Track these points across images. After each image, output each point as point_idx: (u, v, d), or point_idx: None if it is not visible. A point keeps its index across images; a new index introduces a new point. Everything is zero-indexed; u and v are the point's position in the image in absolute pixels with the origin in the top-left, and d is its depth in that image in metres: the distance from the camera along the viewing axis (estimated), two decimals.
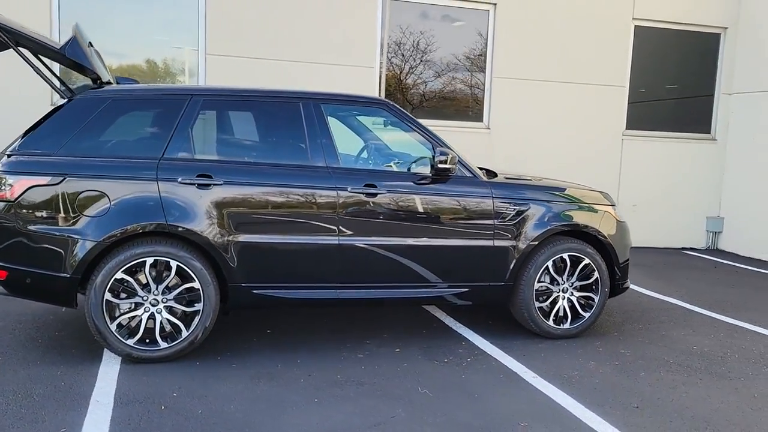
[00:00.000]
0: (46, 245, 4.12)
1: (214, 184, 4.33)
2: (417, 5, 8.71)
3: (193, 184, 4.30)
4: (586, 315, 5.19)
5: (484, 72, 9.00)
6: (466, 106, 9.14)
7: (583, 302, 5.18)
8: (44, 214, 4.11)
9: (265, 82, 7.77)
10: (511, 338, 5.10)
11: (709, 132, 10.08)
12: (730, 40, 9.91)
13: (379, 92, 8.56)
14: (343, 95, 4.83)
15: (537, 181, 5.34)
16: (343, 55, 8.30)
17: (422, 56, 8.91)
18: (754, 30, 9.68)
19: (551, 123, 9.20)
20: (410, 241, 4.71)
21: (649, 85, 9.76)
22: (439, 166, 4.69)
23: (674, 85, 10.06)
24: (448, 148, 4.84)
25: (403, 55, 8.82)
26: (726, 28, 9.88)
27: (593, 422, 3.68)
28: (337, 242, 4.55)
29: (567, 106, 9.24)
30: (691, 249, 10.00)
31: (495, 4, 8.85)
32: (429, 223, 4.76)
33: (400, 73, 8.89)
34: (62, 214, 4.12)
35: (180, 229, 4.23)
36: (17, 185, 4.09)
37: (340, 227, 4.55)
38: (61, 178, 4.13)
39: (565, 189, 5.28)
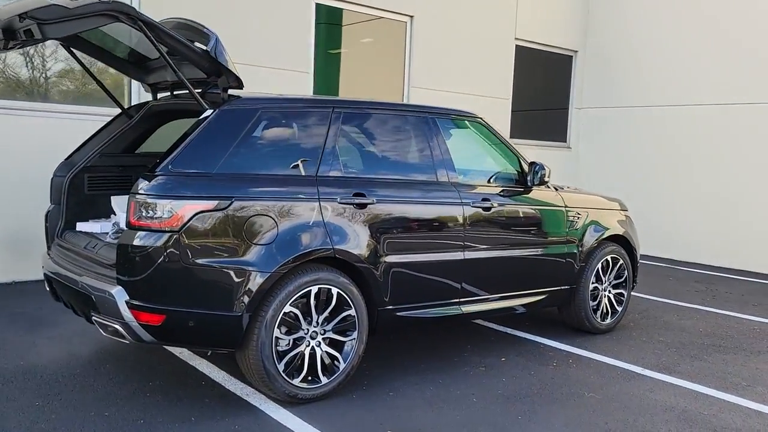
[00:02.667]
0: (214, 280, 3.52)
1: (369, 203, 4.06)
2: (339, 11, 8.64)
3: (351, 203, 3.99)
4: (619, 309, 5.80)
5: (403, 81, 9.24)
6: None
7: (615, 299, 5.78)
8: (212, 244, 3.50)
9: None
10: (566, 336, 5.50)
11: (565, 141, 11.51)
12: (580, 61, 11.42)
13: None
14: (450, 109, 4.80)
15: (580, 191, 5.81)
16: (281, 59, 7.93)
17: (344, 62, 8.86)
18: (597, 54, 11.28)
19: None
20: (515, 252, 4.87)
21: (523, 99, 10.83)
22: (545, 179, 4.93)
23: (541, 99, 11.29)
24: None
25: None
26: (576, 51, 11.36)
27: (753, 406, 4.22)
28: (462, 257, 4.54)
29: None
30: None
31: (412, 17, 9.14)
32: (528, 233, 4.97)
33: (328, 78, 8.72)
34: (231, 243, 3.55)
35: (344, 253, 3.90)
36: (181, 211, 3.43)
37: (465, 242, 4.55)
38: (229, 202, 3.55)
39: (608, 198, 5.83)
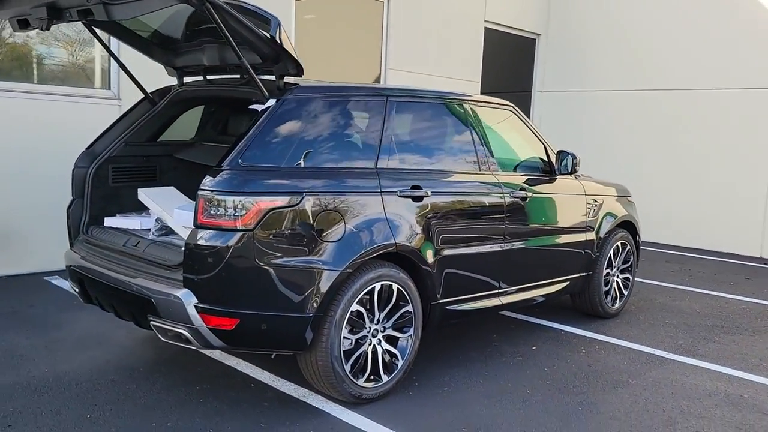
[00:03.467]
0: (288, 280, 3.34)
1: (424, 196, 3.95)
2: None
3: (410, 196, 3.87)
4: (626, 293, 5.94)
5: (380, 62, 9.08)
6: None
7: (622, 283, 5.91)
8: (285, 242, 3.32)
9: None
10: (579, 321, 5.59)
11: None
12: (543, 45, 11.55)
13: None
14: (487, 98, 4.72)
15: (592, 178, 5.87)
16: None
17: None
18: (559, 38, 11.45)
19: None
20: (546, 241, 4.89)
21: (489, 81, 10.86)
22: (577, 168, 4.94)
23: (506, 81, 11.37)
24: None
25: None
26: (539, 34, 11.48)
27: None
28: (501, 248, 4.51)
29: None
30: None
31: None
32: (557, 222, 4.99)
33: None
34: (303, 241, 3.37)
35: (405, 248, 3.78)
36: (255, 208, 3.22)
37: (505, 233, 4.52)
38: (300, 197, 3.37)
39: (613, 184, 5.91)
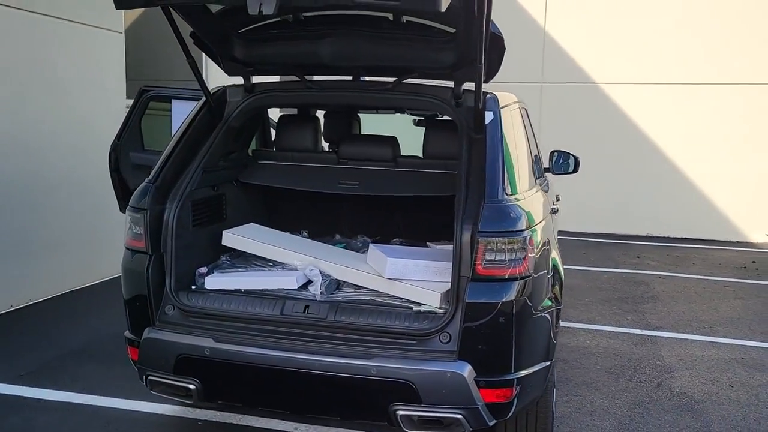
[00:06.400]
0: (545, 327, 2.85)
1: (558, 209, 3.67)
2: None
3: (556, 211, 3.56)
4: None
5: None
6: None
7: None
8: (541, 285, 2.80)
9: None
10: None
11: None
12: None
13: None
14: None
15: None
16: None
17: None
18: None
19: None
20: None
21: None
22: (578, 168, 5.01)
23: None
24: None
25: None
26: None
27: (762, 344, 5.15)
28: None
29: None
30: None
31: None
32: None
33: None
34: (542, 280, 2.87)
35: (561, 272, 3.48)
36: (530, 249, 2.64)
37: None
38: (534, 228, 2.84)
39: None
